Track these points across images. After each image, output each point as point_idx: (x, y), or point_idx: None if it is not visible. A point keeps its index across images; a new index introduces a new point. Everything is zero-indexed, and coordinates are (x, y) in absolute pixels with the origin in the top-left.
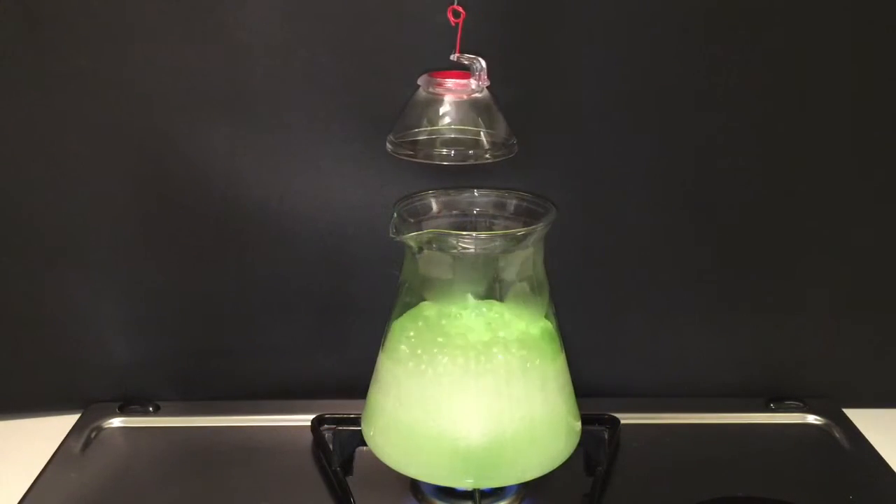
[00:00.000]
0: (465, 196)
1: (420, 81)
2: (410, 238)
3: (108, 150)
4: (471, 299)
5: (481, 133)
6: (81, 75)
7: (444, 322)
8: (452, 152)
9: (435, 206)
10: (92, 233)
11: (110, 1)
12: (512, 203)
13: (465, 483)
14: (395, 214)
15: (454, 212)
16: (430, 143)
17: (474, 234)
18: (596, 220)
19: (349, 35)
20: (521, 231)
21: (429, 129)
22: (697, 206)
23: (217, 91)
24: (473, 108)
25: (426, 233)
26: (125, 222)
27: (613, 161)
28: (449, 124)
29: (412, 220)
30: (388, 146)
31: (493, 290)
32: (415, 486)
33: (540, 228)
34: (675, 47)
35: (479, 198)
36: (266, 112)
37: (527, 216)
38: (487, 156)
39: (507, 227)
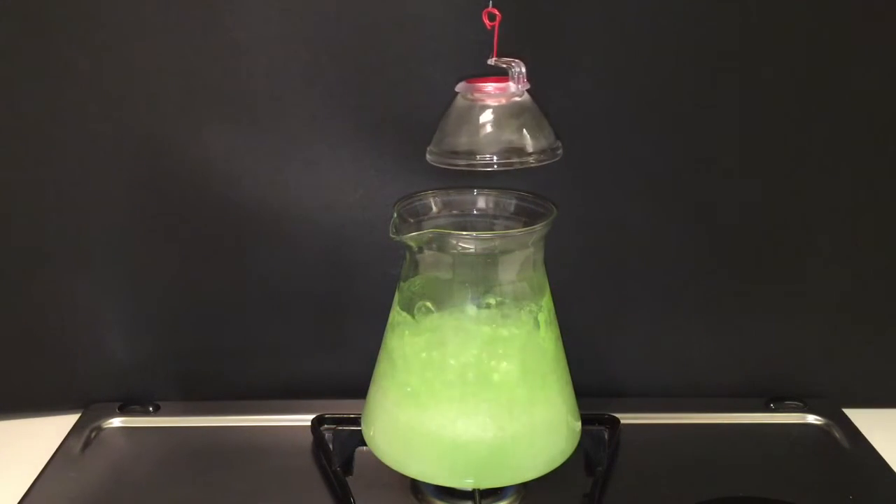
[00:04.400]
0: (465, 196)
1: (459, 88)
2: (410, 238)
3: (108, 150)
4: (471, 299)
5: (524, 138)
6: (81, 75)
7: (443, 322)
8: (495, 158)
9: (435, 206)
10: (92, 233)
11: (110, 1)
12: (512, 203)
13: (465, 483)
14: (395, 214)
15: (454, 212)
16: (472, 151)
17: (474, 234)
18: (596, 220)
19: (349, 35)
20: (521, 231)
21: (469, 136)
22: (698, 207)
23: (217, 91)
24: (514, 113)
25: (426, 233)
26: (125, 222)
27: (614, 161)
28: (490, 131)
29: (412, 220)
30: (429, 156)
31: (493, 291)
32: (415, 486)
33: (540, 228)
34: (677, 48)
35: (479, 198)
36: (266, 112)
37: (527, 216)
38: (532, 160)
39: (507, 227)
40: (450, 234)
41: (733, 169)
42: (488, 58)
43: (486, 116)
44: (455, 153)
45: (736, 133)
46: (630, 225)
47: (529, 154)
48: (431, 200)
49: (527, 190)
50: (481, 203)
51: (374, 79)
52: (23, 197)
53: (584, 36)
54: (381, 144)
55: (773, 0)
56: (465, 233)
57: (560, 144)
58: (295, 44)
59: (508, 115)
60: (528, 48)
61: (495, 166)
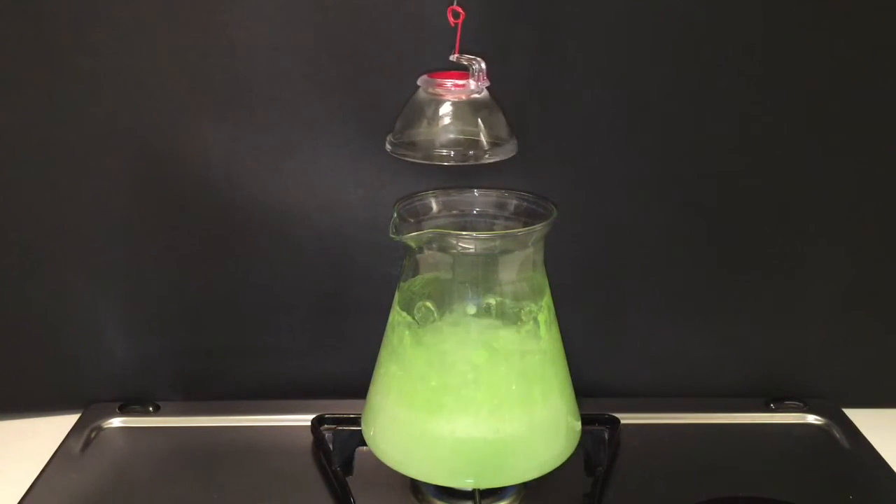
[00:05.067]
0: (465, 196)
1: (419, 82)
2: (410, 238)
3: (108, 150)
4: (470, 299)
5: (481, 133)
6: (81, 75)
7: (443, 322)
8: (452, 153)
9: (435, 206)
10: (92, 233)
11: (110, 1)
12: (512, 203)
13: (465, 483)
14: (395, 214)
15: (454, 212)
16: (430, 144)
17: (474, 234)
18: (596, 220)
19: (349, 35)
20: (521, 231)
21: (428, 129)
22: (698, 207)
23: (216, 90)
24: (473, 109)
25: (426, 233)
26: (125, 222)
27: (613, 161)
28: (448, 125)
29: (412, 220)
30: (388, 146)
31: (493, 290)
32: (415, 486)
33: (540, 228)
34: (676, 47)
35: (479, 198)
36: (266, 112)
37: (527, 216)
38: (487, 156)
39: (507, 227)
40: (450, 234)
41: (733, 169)
42: (451, 54)
43: (445, 110)
44: (413, 144)
45: (736, 132)
46: (630, 225)
47: (485, 150)
48: (431, 200)
49: (527, 190)
50: (481, 203)
51: (373, 78)
52: (23, 197)
53: (584, 36)
54: (381, 144)
55: (772, 0)
56: (465, 233)
57: (515, 141)
58: (295, 44)
59: (466, 110)
60: (527, 48)
61: (451, 161)
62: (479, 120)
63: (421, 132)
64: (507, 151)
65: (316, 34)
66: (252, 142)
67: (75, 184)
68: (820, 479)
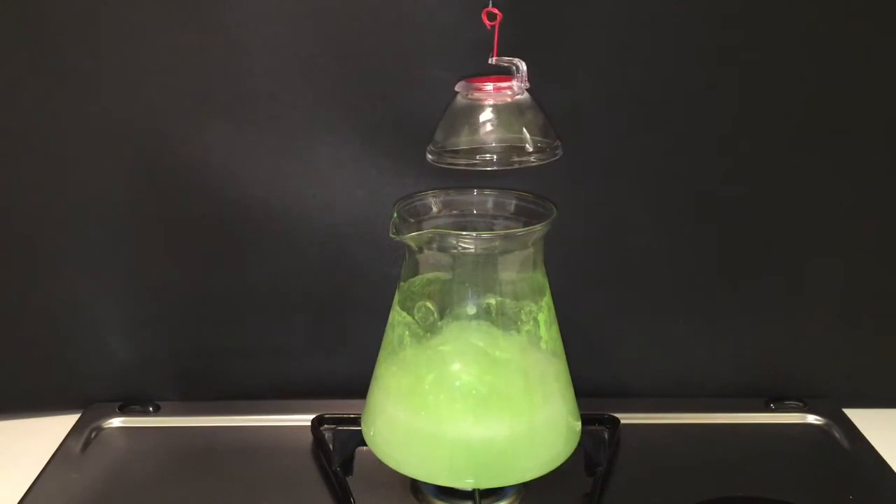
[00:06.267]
0: (465, 196)
1: (458, 87)
2: (410, 238)
3: (108, 150)
4: (470, 299)
5: (525, 137)
6: (81, 75)
7: (443, 322)
8: (496, 158)
9: (435, 206)
10: (92, 233)
11: (110, 1)
12: (512, 203)
13: (465, 483)
14: (395, 214)
15: (454, 212)
16: (473, 150)
17: (474, 234)
18: (596, 220)
19: (349, 35)
20: (521, 231)
21: (470, 136)
22: (698, 207)
23: (216, 91)
24: (515, 112)
25: (426, 233)
26: (125, 222)
27: (614, 161)
28: (491, 130)
29: (412, 220)
30: (429, 155)
31: (493, 290)
32: (415, 486)
33: (540, 228)
34: (676, 48)
35: (479, 198)
36: (266, 112)
37: (527, 216)
38: (532, 159)
39: (507, 227)
40: (450, 234)
41: (733, 169)
42: (489, 57)
43: (486, 116)
44: (455, 153)
45: (736, 133)
46: (630, 225)
47: (529, 153)
48: (431, 200)
49: (527, 190)
50: (481, 203)
51: (374, 79)
52: (23, 196)
53: (584, 35)
54: (381, 144)
55: (774, 3)
56: (465, 233)
57: (560, 143)
58: (295, 44)
59: (508, 114)
60: (526, 48)
61: (495, 166)
62: (522, 123)
63: (461, 140)
64: (551, 154)
65: (316, 34)
66: (252, 142)
67: (75, 183)
68: (820, 479)
